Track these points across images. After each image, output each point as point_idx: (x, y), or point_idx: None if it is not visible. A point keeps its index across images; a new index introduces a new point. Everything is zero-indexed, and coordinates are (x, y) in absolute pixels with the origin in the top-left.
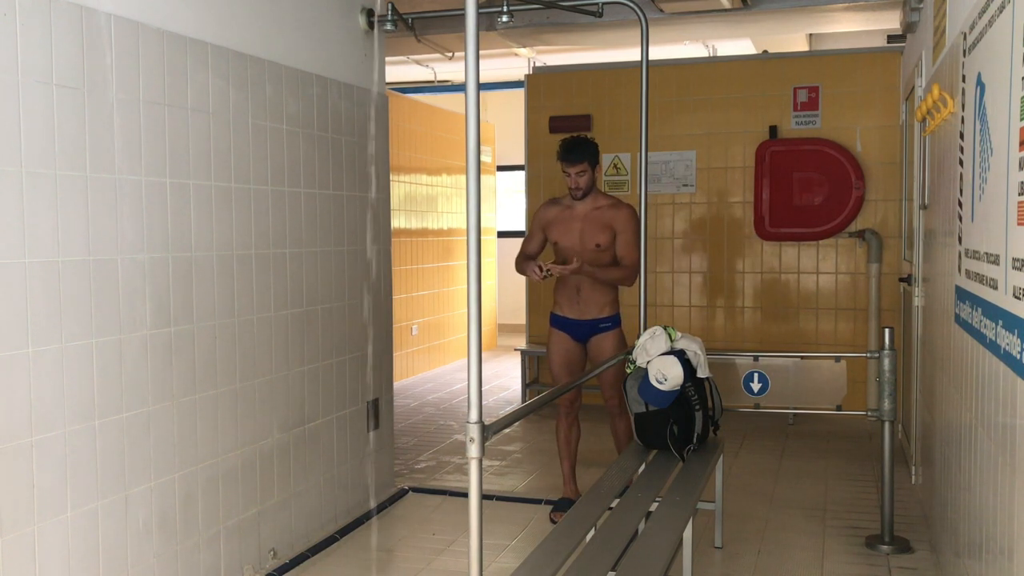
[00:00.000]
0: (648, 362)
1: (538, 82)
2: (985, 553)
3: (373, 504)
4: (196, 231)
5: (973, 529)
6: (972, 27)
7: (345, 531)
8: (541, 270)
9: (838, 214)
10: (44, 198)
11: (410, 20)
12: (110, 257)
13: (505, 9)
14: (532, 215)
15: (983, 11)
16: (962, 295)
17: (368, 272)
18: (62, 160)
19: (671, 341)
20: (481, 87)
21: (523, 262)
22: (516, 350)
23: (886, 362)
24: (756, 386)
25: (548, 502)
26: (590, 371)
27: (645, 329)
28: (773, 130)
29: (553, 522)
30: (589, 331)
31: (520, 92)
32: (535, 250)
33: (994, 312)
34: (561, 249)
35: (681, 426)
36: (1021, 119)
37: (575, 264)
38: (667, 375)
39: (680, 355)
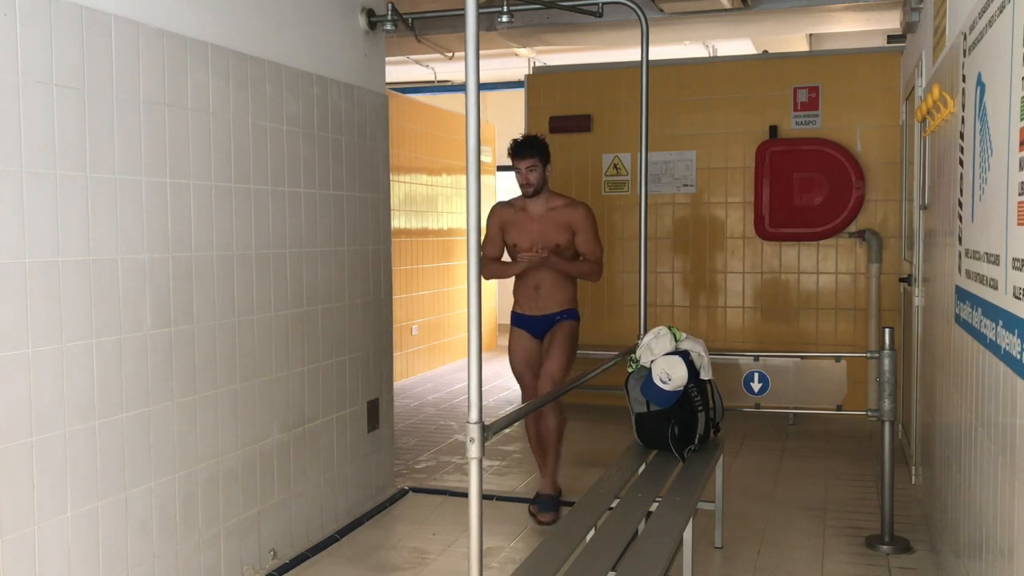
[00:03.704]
0: (652, 361)
1: (538, 82)
2: (985, 553)
3: (372, 504)
4: (196, 231)
5: (973, 529)
6: (972, 27)
7: (345, 531)
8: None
9: (838, 214)
10: (44, 198)
11: (410, 20)
12: (110, 257)
13: (505, 9)
14: (487, 218)
15: (983, 11)
16: (962, 295)
17: (368, 272)
18: (62, 160)
19: (676, 341)
20: (481, 87)
21: (499, 265)
22: None
23: (886, 362)
24: (756, 386)
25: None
26: (583, 377)
27: (645, 329)
28: (773, 130)
29: (531, 515)
30: (547, 325)
31: (520, 92)
32: (499, 253)
33: (994, 312)
34: (519, 252)
35: (682, 427)
36: (1021, 119)
37: (543, 253)
38: (672, 375)
39: (684, 356)
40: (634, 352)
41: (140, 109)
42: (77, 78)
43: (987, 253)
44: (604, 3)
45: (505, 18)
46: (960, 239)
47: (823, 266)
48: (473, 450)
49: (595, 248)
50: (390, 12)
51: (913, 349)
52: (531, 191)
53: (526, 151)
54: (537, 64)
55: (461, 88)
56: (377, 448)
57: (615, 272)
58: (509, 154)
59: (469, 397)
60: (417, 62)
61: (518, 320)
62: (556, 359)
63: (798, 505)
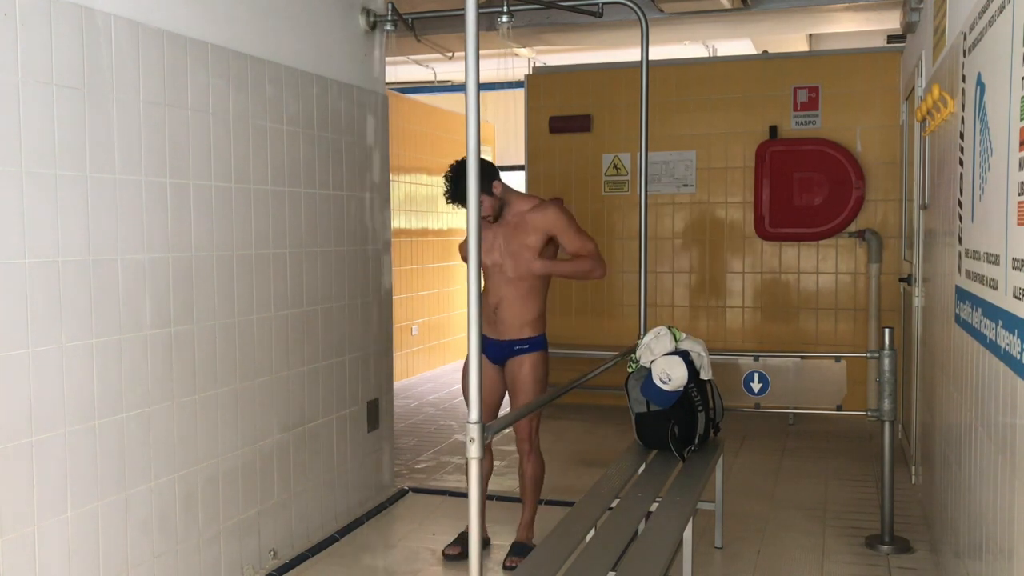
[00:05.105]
0: (652, 361)
1: (538, 82)
2: (985, 553)
3: (372, 504)
4: (196, 231)
5: (973, 529)
6: (972, 27)
7: (345, 531)
8: None
9: (838, 214)
10: (44, 198)
11: (410, 20)
12: (110, 257)
13: (505, 9)
14: None
15: (983, 11)
16: (962, 295)
17: (368, 272)
18: (62, 160)
19: (676, 342)
20: (481, 87)
21: None
22: None
23: (886, 362)
24: (756, 386)
25: (548, 502)
26: (583, 377)
27: (645, 329)
28: (773, 130)
29: (447, 555)
30: (506, 353)
31: (520, 92)
32: None
33: (994, 312)
34: (486, 268)
35: (682, 427)
36: (1021, 119)
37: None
38: (672, 375)
39: (684, 356)
40: (634, 352)
41: (140, 109)
42: (77, 78)
43: (987, 253)
44: (604, 3)
45: (505, 18)
46: (960, 239)
47: (823, 266)
48: (473, 450)
49: (586, 242)
50: (390, 12)
51: (913, 349)
52: (492, 220)
53: (457, 198)
54: (537, 64)
55: (461, 88)
56: (377, 448)
57: (615, 272)
58: (448, 200)
59: (469, 397)
60: (417, 62)
61: (484, 342)
62: (528, 418)
63: (798, 505)
